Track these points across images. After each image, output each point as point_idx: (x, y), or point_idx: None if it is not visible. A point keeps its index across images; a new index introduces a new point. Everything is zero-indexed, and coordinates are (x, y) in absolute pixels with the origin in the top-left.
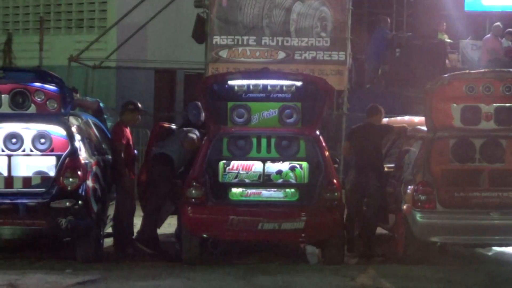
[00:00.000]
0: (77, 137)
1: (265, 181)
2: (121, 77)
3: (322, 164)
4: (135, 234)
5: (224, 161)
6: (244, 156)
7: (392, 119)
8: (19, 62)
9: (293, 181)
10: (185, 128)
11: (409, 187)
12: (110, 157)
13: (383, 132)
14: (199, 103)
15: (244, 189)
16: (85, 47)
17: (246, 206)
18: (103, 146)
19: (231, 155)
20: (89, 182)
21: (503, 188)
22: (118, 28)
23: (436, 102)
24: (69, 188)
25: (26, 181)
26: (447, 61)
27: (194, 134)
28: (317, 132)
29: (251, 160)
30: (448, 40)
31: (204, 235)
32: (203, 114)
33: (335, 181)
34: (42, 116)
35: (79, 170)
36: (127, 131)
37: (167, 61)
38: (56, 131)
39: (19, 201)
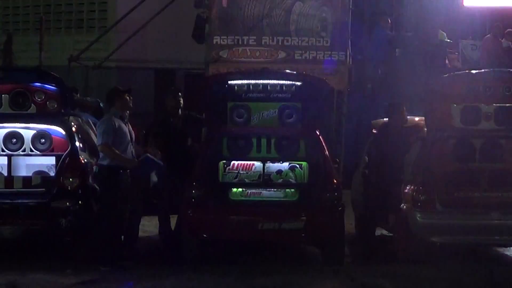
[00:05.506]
0: (77, 137)
1: (265, 181)
2: (121, 77)
3: (322, 164)
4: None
5: (224, 161)
6: (244, 156)
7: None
8: (19, 62)
9: (293, 181)
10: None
11: (409, 187)
12: None
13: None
14: None
15: (244, 189)
16: (85, 47)
17: (246, 206)
18: None
19: (231, 155)
20: (89, 182)
21: (503, 188)
22: (118, 28)
23: (436, 102)
24: (69, 188)
25: (26, 181)
26: (447, 61)
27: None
28: (317, 132)
29: (251, 160)
30: (447, 40)
31: (204, 235)
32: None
33: (335, 181)
34: (42, 116)
35: (79, 170)
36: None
37: (167, 61)
38: (56, 131)
39: (19, 201)
